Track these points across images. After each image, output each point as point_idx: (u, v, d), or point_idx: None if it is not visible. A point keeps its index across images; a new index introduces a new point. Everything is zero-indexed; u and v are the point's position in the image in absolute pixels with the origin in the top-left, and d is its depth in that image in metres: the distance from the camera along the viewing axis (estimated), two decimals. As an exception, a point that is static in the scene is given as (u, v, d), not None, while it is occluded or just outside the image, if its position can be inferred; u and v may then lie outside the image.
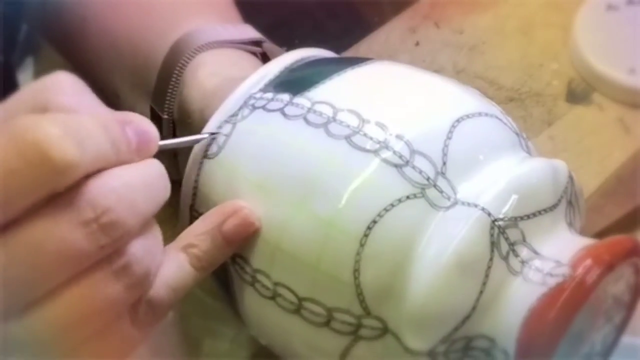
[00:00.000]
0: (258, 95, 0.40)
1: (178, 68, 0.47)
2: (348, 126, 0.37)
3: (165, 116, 0.47)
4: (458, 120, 0.37)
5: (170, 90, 0.47)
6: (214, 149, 0.40)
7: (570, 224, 0.38)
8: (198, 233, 0.38)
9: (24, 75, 1.28)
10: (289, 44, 0.50)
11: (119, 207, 0.32)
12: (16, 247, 0.31)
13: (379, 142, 0.36)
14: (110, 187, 0.32)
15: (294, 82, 0.40)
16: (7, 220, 0.31)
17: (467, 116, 0.38)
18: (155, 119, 0.48)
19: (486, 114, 0.38)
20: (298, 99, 0.39)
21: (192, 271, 0.37)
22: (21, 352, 0.32)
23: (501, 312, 0.35)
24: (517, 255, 0.35)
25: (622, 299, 0.38)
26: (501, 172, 0.36)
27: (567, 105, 0.59)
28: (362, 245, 0.35)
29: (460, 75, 0.61)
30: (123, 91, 0.52)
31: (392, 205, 0.35)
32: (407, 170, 0.35)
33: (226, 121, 0.40)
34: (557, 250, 0.36)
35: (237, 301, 0.40)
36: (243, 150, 0.39)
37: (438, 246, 0.34)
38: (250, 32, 0.49)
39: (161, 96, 0.48)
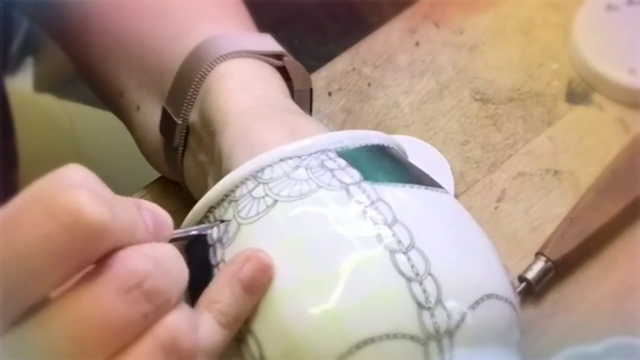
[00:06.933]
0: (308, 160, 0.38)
1: (199, 76, 0.45)
2: (399, 242, 0.36)
3: (180, 121, 0.47)
4: (483, 299, 0.37)
5: (189, 97, 0.46)
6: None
7: None
8: (218, 287, 0.36)
9: (24, 75, 1.28)
10: (289, 44, 0.50)
11: (159, 273, 0.31)
12: (56, 322, 0.30)
13: (417, 274, 0.36)
14: (146, 254, 0.31)
15: (366, 165, 0.39)
16: (45, 293, 0.30)
17: (495, 296, 0.37)
18: (168, 122, 0.48)
19: (506, 300, 0.38)
20: (366, 185, 0.38)
21: (219, 329, 0.35)
22: None
23: None
24: None
25: None
26: None
27: (567, 105, 0.59)
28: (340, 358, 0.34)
29: (460, 75, 0.61)
30: (129, 89, 0.52)
31: (395, 336, 0.35)
32: (425, 313, 0.35)
33: (253, 176, 0.38)
34: None
35: None
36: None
37: None
38: (271, 44, 0.48)
39: (177, 100, 0.47)
